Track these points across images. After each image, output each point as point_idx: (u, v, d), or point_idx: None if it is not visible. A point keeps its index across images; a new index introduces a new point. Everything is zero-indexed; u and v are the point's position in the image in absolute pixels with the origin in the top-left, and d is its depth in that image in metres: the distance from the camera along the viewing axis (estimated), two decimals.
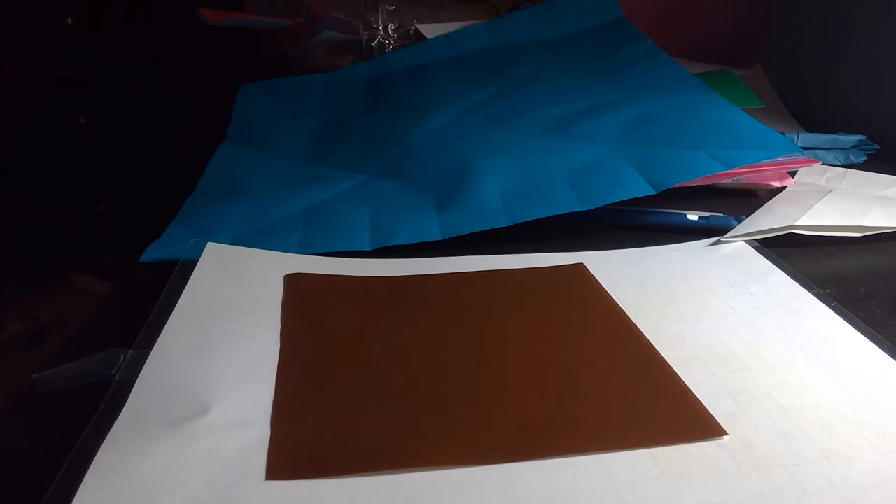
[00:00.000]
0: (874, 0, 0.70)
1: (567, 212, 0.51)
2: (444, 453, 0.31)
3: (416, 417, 0.33)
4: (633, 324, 0.41)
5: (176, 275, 0.44)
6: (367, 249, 0.49)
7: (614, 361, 0.38)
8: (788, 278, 0.46)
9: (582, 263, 0.48)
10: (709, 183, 0.57)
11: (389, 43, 0.85)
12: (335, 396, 0.35)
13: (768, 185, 0.59)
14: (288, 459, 0.31)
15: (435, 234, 0.51)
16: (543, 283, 0.46)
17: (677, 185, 0.53)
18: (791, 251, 0.50)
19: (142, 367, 0.35)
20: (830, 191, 0.57)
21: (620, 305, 0.43)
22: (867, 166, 0.65)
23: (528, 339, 0.40)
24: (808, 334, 0.40)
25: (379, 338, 0.40)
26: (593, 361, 0.38)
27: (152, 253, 0.49)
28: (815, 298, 0.44)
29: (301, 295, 0.44)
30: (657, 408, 0.34)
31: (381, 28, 0.84)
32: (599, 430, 0.33)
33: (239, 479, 0.30)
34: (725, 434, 0.32)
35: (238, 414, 0.33)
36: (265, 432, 0.32)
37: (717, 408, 0.34)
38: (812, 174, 0.62)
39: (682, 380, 0.36)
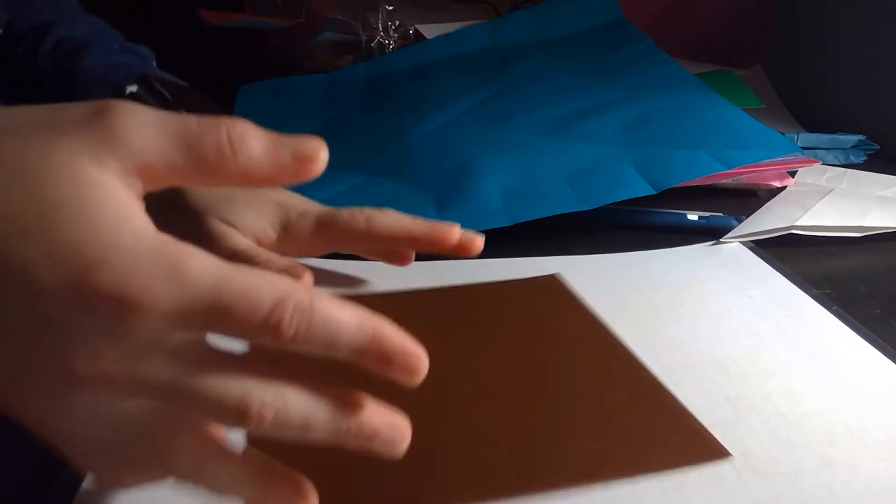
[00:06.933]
0: (874, 1, 0.70)
1: (567, 212, 0.51)
2: (440, 495, 0.30)
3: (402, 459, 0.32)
4: (618, 339, 0.39)
5: None
6: None
7: (606, 384, 0.36)
8: (788, 282, 0.46)
9: (556, 274, 0.46)
10: (709, 183, 0.57)
11: (389, 43, 0.85)
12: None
13: (768, 185, 0.59)
14: None
15: None
16: (519, 299, 0.44)
17: (677, 185, 0.53)
18: (790, 251, 0.50)
19: None
20: (830, 191, 0.57)
21: (619, 309, 0.42)
22: (867, 166, 0.65)
23: (513, 365, 0.38)
24: (809, 339, 0.40)
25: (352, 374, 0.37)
26: (584, 385, 0.36)
27: None
28: (815, 302, 0.44)
29: None
30: (657, 431, 0.33)
31: (380, 28, 0.84)
32: (600, 460, 0.31)
33: None
34: (729, 455, 0.31)
35: None
36: None
37: (716, 414, 0.34)
38: (812, 174, 0.62)
39: (676, 398, 0.35)
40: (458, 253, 0.40)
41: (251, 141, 0.24)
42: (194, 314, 0.22)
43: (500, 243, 0.51)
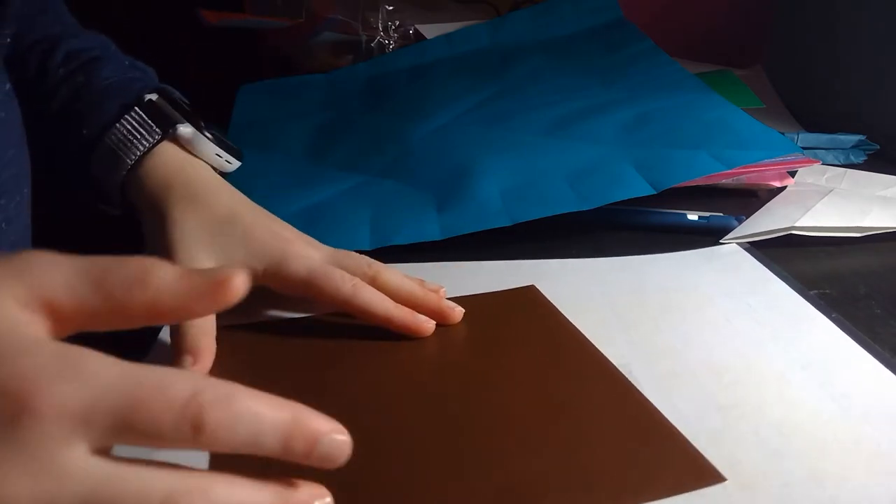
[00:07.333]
0: (874, 0, 0.70)
1: (567, 212, 0.51)
2: None
3: (381, 486, 0.30)
4: (602, 355, 0.38)
5: None
6: (368, 249, 0.49)
7: (592, 405, 0.35)
8: (788, 287, 0.45)
9: (533, 286, 0.45)
10: (709, 183, 0.57)
11: (389, 43, 0.85)
12: None
13: (768, 185, 0.59)
14: None
15: (435, 234, 0.51)
16: (498, 313, 0.43)
17: (677, 185, 0.53)
18: (790, 252, 0.50)
19: None
20: (830, 191, 0.57)
21: (614, 314, 0.42)
22: (867, 166, 0.65)
23: (495, 386, 0.36)
24: (807, 348, 0.39)
25: (331, 391, 0.36)
26: (570, 407, 0.35)
27: None
28: (814, 310, 0.43)
29: (238, 357, 0.39)
30: (650, 458, 0.32)
31: (380, 28, 0.84)
32: (589, 486, 0.30)
33: None
34: (724, 479, 0.30)
35: None
36: None
37: (705, 423, 0.33)
38: (812, 174, 0.62)
39: (666, 419, 0.34)
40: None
41: (162, 269, 0.23)
42: (102, 412, 0.20)
43: (500, 243, 0.51)
